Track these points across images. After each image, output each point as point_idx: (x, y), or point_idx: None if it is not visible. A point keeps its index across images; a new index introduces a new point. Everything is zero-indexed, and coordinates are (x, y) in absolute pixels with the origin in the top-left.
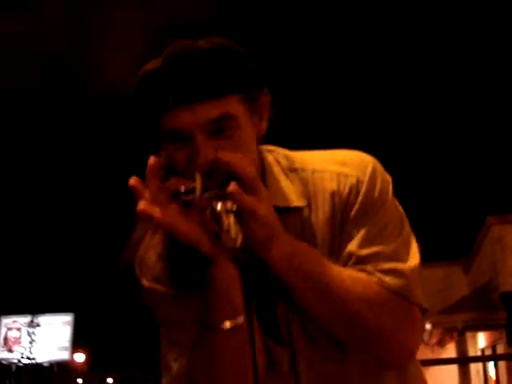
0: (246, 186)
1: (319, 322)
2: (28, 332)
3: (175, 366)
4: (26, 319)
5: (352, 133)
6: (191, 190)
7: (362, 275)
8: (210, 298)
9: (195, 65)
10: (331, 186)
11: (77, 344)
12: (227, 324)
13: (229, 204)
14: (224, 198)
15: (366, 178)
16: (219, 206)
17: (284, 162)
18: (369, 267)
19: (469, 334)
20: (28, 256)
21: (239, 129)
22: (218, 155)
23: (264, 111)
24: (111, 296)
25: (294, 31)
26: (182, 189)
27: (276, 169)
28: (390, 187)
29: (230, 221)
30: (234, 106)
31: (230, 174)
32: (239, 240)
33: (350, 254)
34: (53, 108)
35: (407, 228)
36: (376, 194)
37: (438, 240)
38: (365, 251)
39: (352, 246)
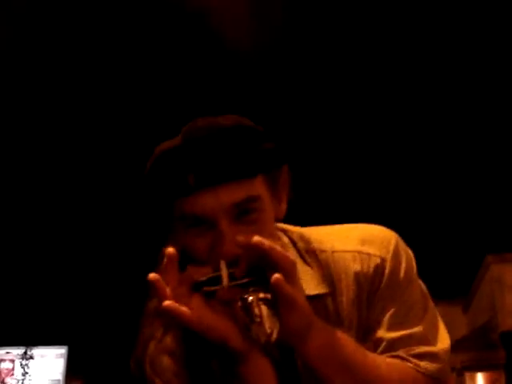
0: (284, 274)
1: None
2: (21, 364)
3: None
4: (20, 351)
5: (350, 173)
6: (214, 280)
7: (397, 361)
8: None
9: (217, 144)
10: (354, 267)
11: (70, 377)
12: None
13: (261, 294)
14: (255, 287)
15: (390, 256)
16: (251, 297)
17: (300, 243)
18: (402, 353)
19: (467, 375)
20: (22, 288)
21: (263, 212)
22: (253, 239)
23: (284, 192)
24: (106, 329)
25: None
26: (204, 278)
27: (292, 252)
28: (414, 264)
29: (263, 312)
30: (258, 188)
31: (258, 262)
32: (274, 333)
33: (380, 340)
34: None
35: (431, 305)
36: (401, 272)
37: (436, 279)
38: (395, 334)
39: (381, 331)
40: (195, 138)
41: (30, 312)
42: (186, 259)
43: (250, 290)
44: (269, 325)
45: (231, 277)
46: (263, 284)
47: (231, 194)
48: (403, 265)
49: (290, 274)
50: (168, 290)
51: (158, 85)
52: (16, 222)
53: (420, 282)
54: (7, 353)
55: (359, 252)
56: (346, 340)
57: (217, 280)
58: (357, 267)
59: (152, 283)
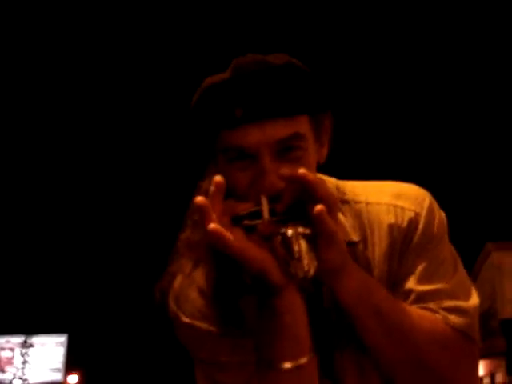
0: (327, 208)
1: (382, 360)
2: (21, 352)
3: None
4: (20, 339)
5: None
6: (254, 214)
7: (427, 313)
8: (271, 333)
9: (267, 80)
10: (388, 218)
11: (70, 365)
12: (289, 364)
13: (301, 229)
14: (295, 222)
15: (424, 212)
16: (290, 231)
17: (335, 193)
18: (432, 305)
19: None
20: (22, 276)
21: (306, 151)
22: (299, 172)
23: (326, 136)
24: (106, 317)
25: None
26: (245, 212)
27: None
28: (446, 223)
29: (302, 248)
30: (303, 127)
31: (300, 196)
32: (312, 269)
33: (410, 291)
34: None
35: (461, 265)
36: (434, 228)
37: None
38: (425, 287)
39: (411, 283)
40: (245, 72)
41: (29, 300)
42: (226, 193)
43: (288, 224)
44: (307, 261)
45: (272, 212)
46: (303, 220)
47: (277, 130)
48: (436, 221)
49: (332, 209)
50: (214, 216)
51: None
52: (15, 210)
53: (451, 244)
54: (7, 341)
55: (394, 205)
56: (377, 285)
57: (257, 214)
58: (391, 219)
59: (198, 207)
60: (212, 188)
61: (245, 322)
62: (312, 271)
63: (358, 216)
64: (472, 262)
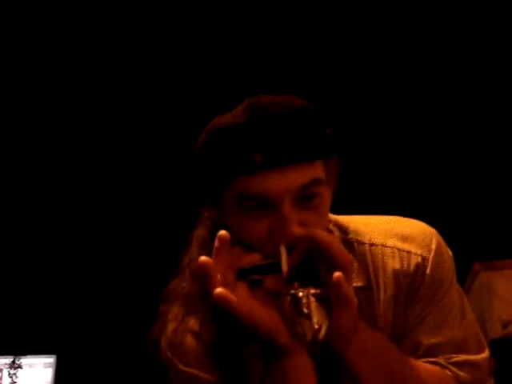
0: (343, 272)
1: None
2: (9, 373)
3: None
4: (8, 360)
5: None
6: (260, 268)
7: (436, 369)
8: None
9: (287, 122)
10: (393, 264)
11: None
12: None
13: (312, 290)
14: (304, 280)
15: (431, 256)
16: (301, 293)
17: (336, 233)
18: (441, 360)
19: None
20: (10, 297)
21: (322, 198)
22: (313, 233)
23: (333, 179)
24: (95, 339)
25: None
26: (250, 266)
27: None
28: (454, 265)
29: (313, 308)
30: (321, 172)
31: (311, 252)
32: (323, 330)
33: (418, 344)
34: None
35: (469, 308)
36: (442, 274)
37: None
38: (433, 340)
39: (419, 335)
40: (263, 113)
41: (18, 321)
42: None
43: (298, 283)
44: (317, 320)
45: (277, 268)
46: (312, 277)
47: (299, 175)
48: (444, 265)
49: (348, 273)
50: (218, 277)
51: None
52: (3, 228)
53: (457, 283)
54: None
55: (399, 249)
56: (388, 345)
57: (264, 269)
58: (396, 265)
59: (203, 267)
60: (217, 244)
61: (246, 374)
62: (323, 332)
63: (362, 259)
64: (461, 283)
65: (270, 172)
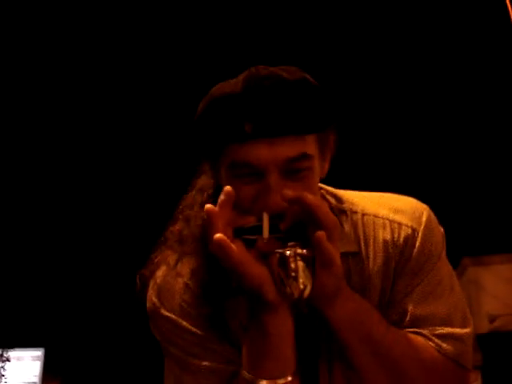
0: (327, 233)
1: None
2: None
3: None
4: None
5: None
6: (256, 229)
7: (420, 339)
8: (255, 350)
9: (280, 96)
10: (384, 234)
11: (46, 380)
12: (266, 383)
13: (299, 250)
14: (294, 242)
15: (421, 229)
16: (288, 252)
17: (332, 201)
18: (425, 331)
19: None
20: None
21: (312, 171)
22: (302, 195)
23: (329, 151)
24: (83, 332)
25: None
26: (247, 226)
27: None
28: (444, 239)
29: (299, 267)
30: (312, 146)
31: (301, 218)
32: (307, 290)
33: (405, 314)
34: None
35: (457, 285)
36: (432, 246)
37: None
38: (420, 311)
39: (407, 304)
40: (257, 86)
41: (6, 314)
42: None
43: (289, 244)
44: (303, 280)
45: (272, 229)
46: (302, 241)
47: (287, 148)
48: (434, 239)
49: (333, 234)
50: (220, 225)
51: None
52: None
53: (447, 259)
54: None
55: (390, 220)
56: (371, 311)
57: (258, 230)
58: (386, 235)
59: (207, 213)
60: (222, 197)
61: (227, 327)
62: (307, 292)
63: (354, 227)
64: None
65: (258, 142)
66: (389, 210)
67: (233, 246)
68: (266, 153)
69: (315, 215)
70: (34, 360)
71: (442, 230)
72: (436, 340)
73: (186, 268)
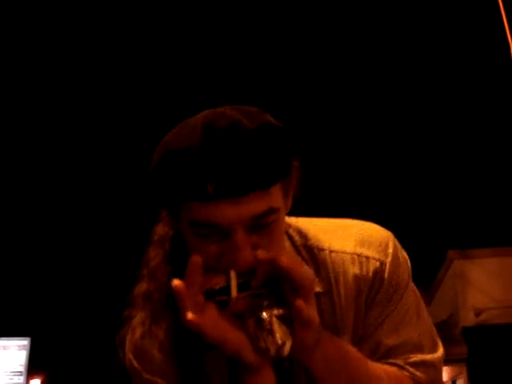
0: (303, 293)
1: None
2: None
3: None
4: None
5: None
6: (226, 289)
7: (395, 370)
8: None
9: (242, 151)
10: (353, 270)
11: (33, 369)
12: None
13: (275, 311)
14: (268, 298)
15: (389, 260)
16: (265, 314)
17: (297, 238)
18: (399, 361)
19: None
20: None
21: (278, 222)
22: (276, 258)
23: (292, 188)
24: (69, 321)
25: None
26: (217, 287)
27: (288, 246)
28: (409, 266)
29: (275, 326)
30: (277, 198)
31: (273, 273)
32: (287, 347)
33: (378, 345)
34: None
35: (424, 308)
36: (399, 278)
37: None
38: (392, 341)
39: (379, 336)
40: (217, 140)
41: None
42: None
43: (265, 303)
44: (280, 336)
45: (244, 286)
46: (276, 295)
47: (252, 206)
48: (401, 269)
49: (309, 294)
50: (190, 302)
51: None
52: None
53: (413, 284)
54: None
55: (358, 255)
56: (350, 352)
57: (229, 290)
58: (356, 270)
59: (176, 291)
60: (189, 268)
61: (209, 381)
62: (287, 348)
63: (322, 265)
64: (435, 271)
65: (221, 202)
66: (355, 244)
67: (205, 321)
68: (230, 212)
69: (289, 276)
70: (19, 349)
71: (406, 256)
72: (410, 369)
73: (160, 328)
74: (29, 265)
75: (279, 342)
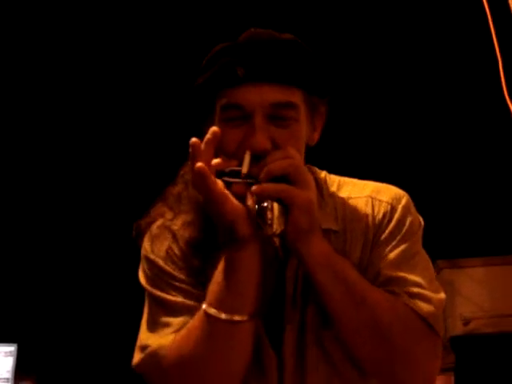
0: (291, 178)
1: (342, 329)
2: None
3: (155, 344)
4: None
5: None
6: (236, 173)
7: (391, 295)
8: (220, 283)
9: (271, 48)
10: (365, 210)
11: (20, 375)
12: (223, 315)
13: (275, 203)
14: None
15: (400, 207)
16: (266, 203)
17: (322, 184)
18: (396, 289)
19: None
20: None
21: (297, 122)
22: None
23: (319, 122)
24: (57, 327)
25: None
26: (227, 170)
27: (313, 186)
28: (421, 226)
29: (275, 208)
30: (298, 99)
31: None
32: (279, 229)
33: (377, 274)
34: None
35: (433, 269)
36: (407, 222)
37: None
38: (394, 273)
39: (380, 267)
40: (254, 39)
41: None
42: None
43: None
44: (275, 221)
45: (249, 174)
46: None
47: (273, 94)
48: (411, 218)
49: (302, 180)
50: (203, 158)
51: None
52: None
53: (425, 252)
54: None
55: (372, 198)
56: (344, 257)
57: (237, 175)
58: (368, 210)
59: (193, 146)
60: (208, 136)
61: (206, 276)
62: (278, 230)
63: (340, 208)
64: None
65: (249, 85)
66: (371, 190)
67: (213, 177)
68: (254, 95)
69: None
70: (6, 356)
71: (421, 219)
72: (406, 296)
73: (179, 222)
74: (13, 271)
75: (274, 224)
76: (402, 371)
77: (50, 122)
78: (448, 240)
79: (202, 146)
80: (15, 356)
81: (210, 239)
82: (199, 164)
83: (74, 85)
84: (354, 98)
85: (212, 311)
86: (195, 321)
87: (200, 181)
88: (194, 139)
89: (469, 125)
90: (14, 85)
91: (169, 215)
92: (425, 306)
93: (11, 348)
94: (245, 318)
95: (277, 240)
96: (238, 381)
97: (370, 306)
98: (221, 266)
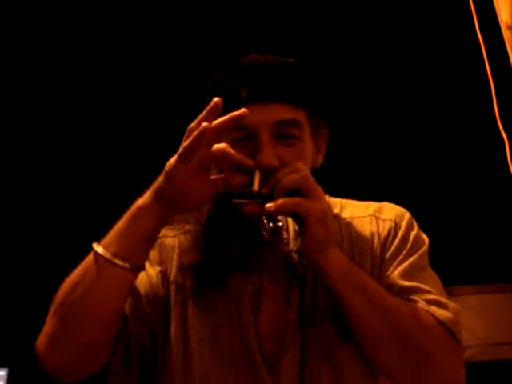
0: (304, 191)
1: (364, 337)
2: None
3: None
4: None
5: None
6: (245, 194)
7: (407, 301)
8: (119, 227)
9: (272, 68)
10: (370, 228)
11: None
12: (108, 255)
13: (290, 219)
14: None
15: (403, 223)
16: (281, 223)
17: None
18: (412, 296)
19: None
20: None
21: (302, 141)
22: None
23: (322, 144)
24: None
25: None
26: (236, 191)
27: None
28: (426, 242)
29: (289, 223)
30: (301, 117)
31: (287, 189)
32: (297, 243)
33: (391, 285)
34: None
35: (440, 282)
36: (411, 238)
37: None
38: (407, 283)
39: (393, 278)
40: (256, 62)
41: None
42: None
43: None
44: (291, 236)
45: (259, 194)
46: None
47: (277, 112)
48: (414, 233)
49: (308, 190)
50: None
51: None
52: None
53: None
54: None
55: (376, 216)
56: (361, 268)
57: (247, 195)
58: (373, 229)
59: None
60: (210, 105)
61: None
62: (297, 245)
63: (345, 229)
64: None
65: (253, 106)
66: (374, 210)
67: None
68: (258, 115)
69: (300, 187)
70: None
71: (426, 237)
72: (424, 303)
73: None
74: (4, 295)
75: (290, 240)
76: (428, 374)
77: (50, 121)
78: (441, 267)
79: (204, 113)
80: (5, 381)
81: (212, 263)
82: (218, 147)
83: (74, 85)
84: (352, 118)
85: (99, 250)
86: (85, 260)
87: (197, 134)
88: (205, 124)
89: (462, 154)
90: (13, 85)
91: (171, 233)
92: (443, 312)
93: (2, 372)
94: (126, 265)
95: (295, 256)
96: (103, 327)
97: (391, 312)
98: (127, 213)
